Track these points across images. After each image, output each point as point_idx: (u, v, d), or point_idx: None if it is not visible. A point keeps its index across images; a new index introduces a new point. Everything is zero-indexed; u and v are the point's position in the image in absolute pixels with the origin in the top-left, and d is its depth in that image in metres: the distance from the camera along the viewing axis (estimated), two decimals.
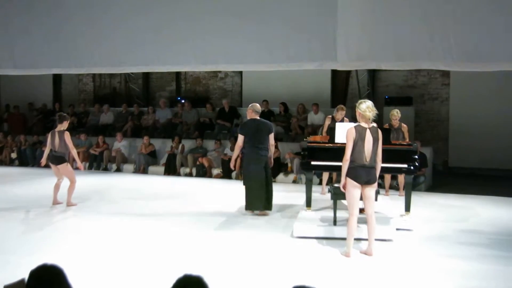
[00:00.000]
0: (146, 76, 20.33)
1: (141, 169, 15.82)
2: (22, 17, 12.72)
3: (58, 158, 10.19)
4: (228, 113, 16.90)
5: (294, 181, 13.76)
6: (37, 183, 13.56)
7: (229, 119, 16.81)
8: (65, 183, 10.39)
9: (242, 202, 10.18)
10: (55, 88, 21.62)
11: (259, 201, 9.57)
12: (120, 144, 16.61)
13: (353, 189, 6.84)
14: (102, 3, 12.04)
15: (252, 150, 9.54)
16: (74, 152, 10.39)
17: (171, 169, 15.56)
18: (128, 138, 17.17)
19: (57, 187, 10.44)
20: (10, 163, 17.94)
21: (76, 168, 10.74)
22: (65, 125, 10.34)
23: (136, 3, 11.71)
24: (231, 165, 10.22)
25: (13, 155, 17.98)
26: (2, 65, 13.24)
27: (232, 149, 14.81)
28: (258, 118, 9.76)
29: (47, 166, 10.81)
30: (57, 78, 21.43)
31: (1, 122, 20.55)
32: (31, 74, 14.69)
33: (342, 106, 11.21)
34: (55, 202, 10.44)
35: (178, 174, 15.45)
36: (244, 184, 9.73)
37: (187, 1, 11.19)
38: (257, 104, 9.98)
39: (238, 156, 10.25)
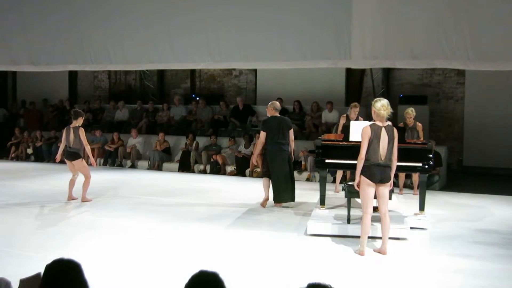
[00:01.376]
0: (161, 73, 20.39)
1: (156, 166, 15.89)
2: (38, 15, 12.82)
3: (72, 154, 10.27)
4: (242, 111, 16.92)
5: (308, 179, 13.77)
6: (52, 179, 13.66)
7: (243, 117, 16.83)
8: (80, 178, 10.46)
9: (256, 198, 10.31)
10: (71, 85, 21.76)
11: (286, 193, 10.02)
12: (135, 141, 16.71)
13: (367, 188, 6.84)
14: (117, 2, 12.11)
15: (275, 146, 9.92)
16: (88, 148, 10.44)
17: (185, 166, 15.61)
18: (143, 135, 17.25)
19: (72, 183, 10.52)
20: (26, 158, 18.12)
21: (90, 165, 10.79)
22: (80, 121, 10.41)
23: (151, 2, 11.77)
24: (253, 160, 10.92)
25: (29, 151, 18.15)
26: (19, 62, 13.37)
27: (246, 147, 14.86)
28: (278, 115, 10.16)
29: (62, 161, 10.89)
30: (72, 75, 21.57)
31: (18, 118, 20.72)
32: (47, 71, 14.80)
33: (356, 103, 11.17)
34: (70, 198, 10.52)
35: (192, 171, 15.50)
36: (269, 178, 10.11)
37: (202, 1, 11.22)
38: (277, 102, 10.53)
39: (259, 152, 10.59)
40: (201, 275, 2.98)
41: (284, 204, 10.06)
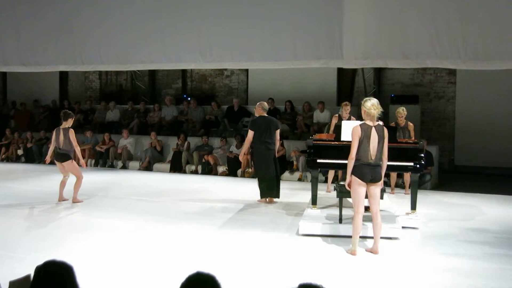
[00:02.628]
0: (152, 73, 20.33)
1: (146, 163, 15.82)
2: (29, 15, 12.75)
3: (62, 155, 10.21)
4: (237, 112, 16.91)
5: (300, 179, 13.76)
6: (43, 180, 13.59)
7: (237, 118, 16.80)
8: (71, 180, 10.41)
9: (248, 199, 10.42)
10: (62, 85, 21.66)
11: (272, 190, 10.42)
12: (126, 141, 16.65)
13: (358, 187, 6.84)
14: (108, 3, 12.06)
15: (262, 145, 10.30)
16: (78, 149, 10.42)
17: (176, 167, 15.57)
18: (134, 135, 17.20)
19: (63, 184, 10.46)
20: (17, 159, 18.02)
21: (80, 166, 10.73)
22: (70, 122, 10.36)
23: (143, 2, 11.73)
24: (240, 157, 11.39)
25: (20, 152, 18.05)
26: (9, 62, 13.28)
27: (237, 147, 14.84)
28: (266, 115, 10.47)
29: (53, 162, 10.82)
30: (63, 75, 21.46)
31: (8, 119, 20.60)
32: (38, 71, 14.72)
33: (347, 102, 11.27)
34: (61, 199, 10.47)
35: (184, 172, 15.46)
36: (257, 176, 10.65)
37: (194, 1, 11.20)
38: (265, 102, 10.83)
39: (247, 150, 11.11)
40: (198, 276, 2.95)
41: (267, 200, 10.52)
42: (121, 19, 11.84)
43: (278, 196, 10.49)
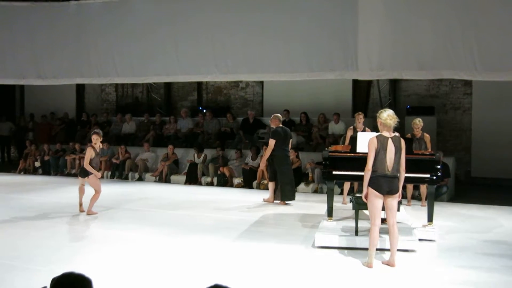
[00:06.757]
0: (168, 86, 20.44)
1: (164, 178, 15.91)
2: (46, 30, 12.90)
3: (86, 171, 10.30)
4: (252, 124, 16.93)
5: (315, 191, 13.72)
6: (59, 192, 13.67)
7: (252, 130, 16.81)
8: (89, 192, 10.48)
9: (264, 211, 10.43)
10: (78, 98, 21.85)
11: (291, 194, 11.55)
12: (146, 154, 16.73)
13: (375, 199, 6.81)
14: (123, 15, 12.16)
15: (282, 153, 11.42)
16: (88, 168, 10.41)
17: (192, 178, 15.60)
18: (150, 147, 17.23)
19: (81, 191, 10.53)
20: (34, 171, 18.13)
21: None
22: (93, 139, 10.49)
23: (158, 15, 11.82)
24: (262, 166, 12.31)
25: (37, 164, 18.16)
26: (27, 76, 13.44)
27: (253, 159, 14.86)
28: (282, 126, 11.58)
29: (70, 175, 10.88)
30: (80, 88, 21.65)
31: (26, 131, 20.76)
32: (55, 84, 14.85)
33: (359, 112, 11.27)
34: (82, 210, 10.53)
35: (199, 183, 15.48)
36: (277, 179, 11.54)
37: (208, 13, 11.27)
38: (279, 114, 11.69)
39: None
40: None
41: (287, 202, 11.54)
42: (136, 32, 11.97)
43: (294, 199, 11.58)
